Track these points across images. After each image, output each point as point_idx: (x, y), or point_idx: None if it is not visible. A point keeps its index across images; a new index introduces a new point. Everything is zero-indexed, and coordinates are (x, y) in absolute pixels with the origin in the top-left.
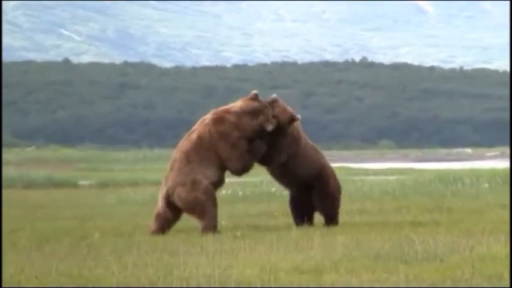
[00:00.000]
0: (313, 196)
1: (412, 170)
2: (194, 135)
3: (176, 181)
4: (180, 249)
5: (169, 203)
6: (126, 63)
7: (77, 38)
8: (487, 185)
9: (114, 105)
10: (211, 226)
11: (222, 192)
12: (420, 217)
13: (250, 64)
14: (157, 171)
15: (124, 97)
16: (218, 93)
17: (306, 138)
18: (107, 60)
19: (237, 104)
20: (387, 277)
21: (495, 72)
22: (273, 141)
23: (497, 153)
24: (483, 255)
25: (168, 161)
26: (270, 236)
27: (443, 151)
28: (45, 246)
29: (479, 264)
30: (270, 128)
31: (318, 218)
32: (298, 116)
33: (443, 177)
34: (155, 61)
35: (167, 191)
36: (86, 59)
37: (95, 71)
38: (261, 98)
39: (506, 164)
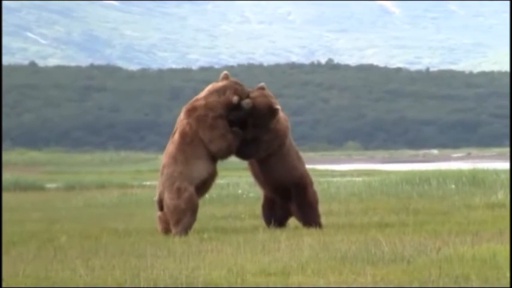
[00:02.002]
0: (292, 205)
1: (378, 171)
2: (176, 136)
3: (165, 186)
4: (147, 251)
5: (162, 206)
6: (92, 66)
7: (42, 41)
8: (453, 186)
9: (80, 108)
10: (180, 234)
11: None
12: (387, 218)
13: (216, 66)
14: (123, 173)
15: (90, 100)
16: (184, 95)
17: (292, 143)
18: (72, 63)
19: (204, 89)
20: (354, 278)
21: (461, 74)
22: (253, 134)
23: (463, 154)
24: (450, 256)
25: (133, 163)
26: (237, 238)
27: (409, 152)
28: (11, 249)
29: (446, 265)
30: (235, 99)
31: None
32: (278, 107)
33: (409, 179)
34: (121, 64)
35: (159, 195)
36: (52, 62)
37: (60, 74)
38: (230, 77)
39: (472, 165)
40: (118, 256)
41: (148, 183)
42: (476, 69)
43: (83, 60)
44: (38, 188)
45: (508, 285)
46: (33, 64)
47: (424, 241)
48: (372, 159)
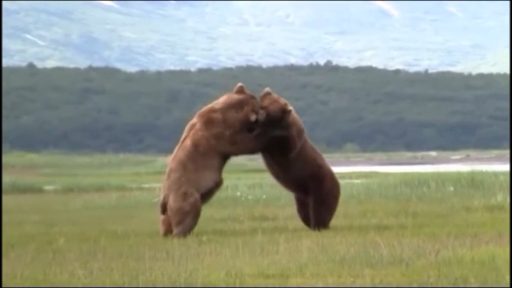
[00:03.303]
0: (309, 200)
1: (377, 173)
2: (188, 143)
3: (171, 189)
4: (145, 254)
5: (166, 209)
6: (90, 68)
7: (41, 42)
8: (452, 189)
9: (79, 110)
10: (179, 235)
11: None
12: (385, 221)
13: (214, 68)
14: (122, 176)
15: (88, 102)
16: (183, 97)
17: (307, 138)
18: (71, 65)
19: (220, 100)
20: (353, 281)
21: (460, 76)
22: (281, 133)
23: (462, 156)
24: (449, 258)
25: (132, 165)
26: (236, 241)
27: (408, 154)
28: (10, 251)
29: (444, 267)
30: (253, 117)
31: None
32: (291, 108)
33: (408, 181)
34: (120, 66)
35: (164, 198)
36: (50, 63)
37: (59, 76)
38: (246, 90)
39: (471, 167)
40: (116, 258)
41: (146, 185)
42: (475, 71)
43: (81, 62)
44: (36, 190)
45: (507, 287)
46: (31, 66)
47: (422, 243)
48: (370, 162)
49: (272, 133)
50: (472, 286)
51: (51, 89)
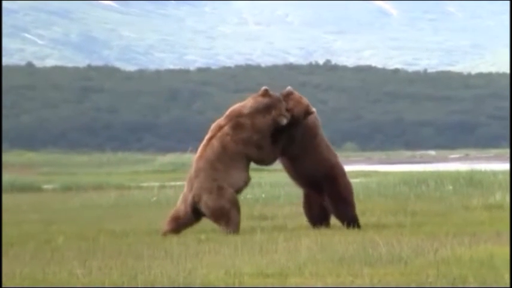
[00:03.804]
0: (325, 199)
1: (376, 172)
2: (216, 144)
3: (203, 188)
4: (144, 252)
5: (194, 209)
6: (89, 67)
7: (40, 42)
8: (451, 187)
9: (78, 109)
10: (234, 232)
11: None
12: (384, 220)
13: (213, 67)
14: (121, 174)
15: (87, 101)
16: (182, 96)
17: (322, 135)
18: (70, 64)
19: (247, 104)
20: (352, 280)
21: (459, 75)
22: (287, 132)
23: (461, 155)
24: (447, 257)
25: (131, 164)
26: (235, 240)
27: (407, 153)
28: (9, 250)
29: (443, 266)
30: (284, 122)
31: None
32: (314, 110)
33: (407, 180)
34: (119, 65)
35: (193, 198)
36: (49, 62)
37: (58, 75)
38: (271, 92)
39: (470, 166)
40: (115, 257)
41: (145, 184)
42: (474, 71)
43: (80, 61)
44: (35, 189)
45: (506, 286)
46: (30, 65)
47: (421, 242)
48: (369, 161)
49: (286, 135)
50: (471, 285)
51: (50, 88)
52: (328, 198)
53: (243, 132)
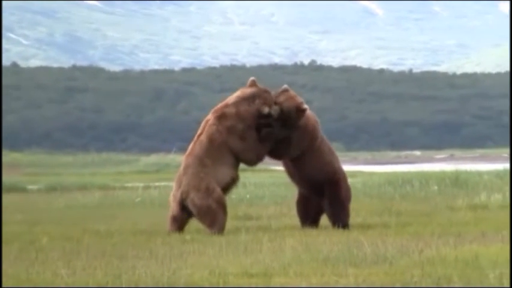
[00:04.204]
0: (324, 202)
1: (361, 172)
2: (203, 138)
3: (190, 185)
4: (129, 253)
5: (183, 206)
6: (74, 67)
7: (24, 42)
8: (436, 188)
9: (62, 109)
10: (219, 233)
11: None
12: (369, 220)
13: (198, 67)
14: (105, 175)
15: (72, 101)
16: (167, 96)
17: (324, 138)
18: (55, 64)
19: (233, 95)
20: (336, 280)
21: (444, 75)
22: (284, 134)
23: (446, 155)
24: (432, 257)
25: (115, 165)
26: (219, 240)
27: (392, 154)
28: None
29: (428, 266)
30: (265, 110)
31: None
32: (306, 106)
33: (392, 180)
34: (103, 65)
35: (181, 195)
36: (34, 63)
37: (43, 75)
38: (258, 84)
39: (455, 166)
40: (100, 257)
41: (129, 184)
42: (459, 71)
43: (65, 61)
44: (19, 189)
45: (492, 287)
46: (15, 65)
47: (406, 242)
48: (354, 161)
49: (279, 133)
50: (456, 285)
51: (35, 88)
52: (328, 201)
53: (227, 121)
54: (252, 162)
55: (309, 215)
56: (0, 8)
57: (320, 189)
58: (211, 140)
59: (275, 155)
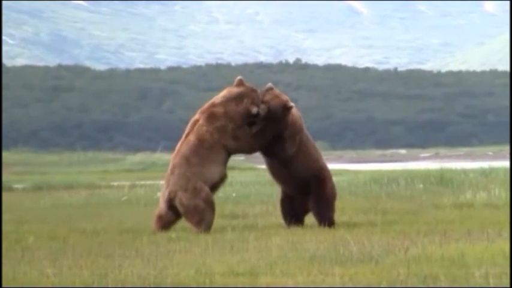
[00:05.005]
0: (309, 199)
1: (346, 171)
2: (192, 138)
3: (178, 185)
4: (115, 252)
5: (171, 205)
6: (60, 66)
7: (10, 41)
8: (421, 186)
9: (48, 108)
10: (205, 232)
11: (157, 195)
12: (355, 218)
13: (184, 66)
14: (91, 174)
15: (58, 100)
16: (152, 95)
17: (308, 136)
18: (40, 63)
19: (220, 95)
20: (323, 279)
21: (429, 73)
22: (273, 131)
23: (431, 153)
24: (418, 256)
25: (101, 163)
26: (205, 238)
27: (377, 152)
28: None
29: (414, 265)
30: (254, 110)
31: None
32: (292, 104)
33: (377, 178)
34: (89, 64)
35: (169, 194)
36: (19, 62)
37: (28, 74)
38: (245, 82)
39: (440, 165)
40: (86, 256)
41: (116, 183)
42: (445, 69)
43: (50, 60)
44: (6, 188)
45: (479, 287)
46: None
47: (392, 241)
48: (340, 159)
49: (270, 131)
50: (442, 283)
51: (21, 87)
52: (314, 198)
53: (216, 122)
54: (249, 154)
55: (293, 215)
56: (0, 8)
57: (306, 188)
58: (201, 140)
59: (273, 155)
